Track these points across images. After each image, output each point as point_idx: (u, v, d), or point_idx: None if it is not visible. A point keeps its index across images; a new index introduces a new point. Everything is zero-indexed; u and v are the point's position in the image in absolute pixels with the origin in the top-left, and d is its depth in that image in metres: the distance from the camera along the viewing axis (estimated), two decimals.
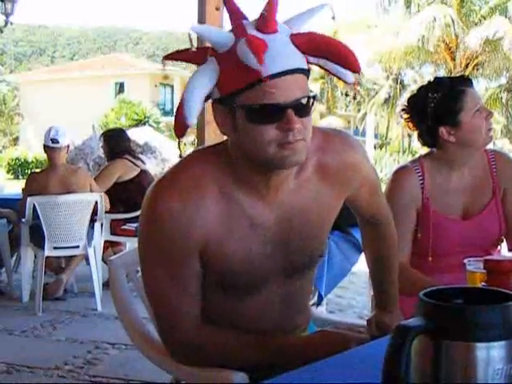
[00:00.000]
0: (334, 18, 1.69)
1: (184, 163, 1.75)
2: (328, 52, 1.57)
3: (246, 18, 1.61)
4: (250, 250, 1.73)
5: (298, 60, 1.55)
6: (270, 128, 1.55)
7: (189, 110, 1.57)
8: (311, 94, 1.59)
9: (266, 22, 1.55)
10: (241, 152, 1.65)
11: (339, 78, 1.66)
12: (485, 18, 29.28)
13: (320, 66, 1.63)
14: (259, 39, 1.52)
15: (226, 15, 1.67)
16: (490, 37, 27.76)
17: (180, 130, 1.62)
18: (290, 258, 1.79)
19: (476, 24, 29.28)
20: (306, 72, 1.58)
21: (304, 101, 1.57)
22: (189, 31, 1.61)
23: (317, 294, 4.24)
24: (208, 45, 1.61)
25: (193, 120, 1.58)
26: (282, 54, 1.53)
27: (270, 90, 1.52)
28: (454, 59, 29.13)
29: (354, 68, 1.58)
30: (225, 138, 1.72)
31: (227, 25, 1.65)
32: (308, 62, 1.60)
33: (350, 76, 1.65)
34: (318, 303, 4.31)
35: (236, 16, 1.62)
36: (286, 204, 1.74)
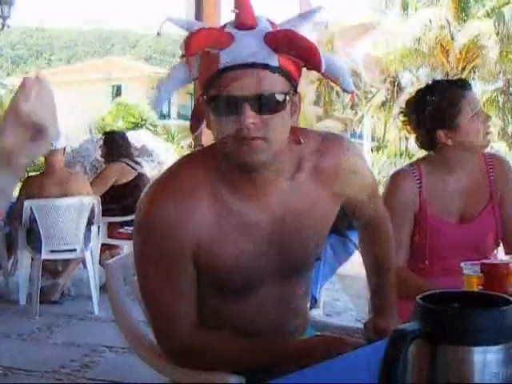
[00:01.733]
0: (326, 26, 1.71)
1: (176, 168, 1.76)
2: (293, 48, 1.58)
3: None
4: (243, 251, 1.73)
5: (264, 56, 1.56)
6: (228, 121, 1.57)
7: (159, 92, 1.65)
8: (282, 92, 1.58)
9: (239, 18, 1.59)
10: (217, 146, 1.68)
11: (339, 86, 1.66)
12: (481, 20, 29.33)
13: (322, 74, 1.63)
14: (221, 34, 1.57)
15: (223, 17, 1.70)
16: (472, 37, 27.84)
17: (193, 124, 1.76)
18: (285, 259, 1.79)
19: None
20: (276, 69, 1.57)
21: (269, 97, 1.56)
22: (162, 24, 1.66)
23: (310, 297, 4.24)
24: None
25: (158, 105, 1.69)
26: (245, 49, 1.55)
27: (227, 82, 1.54)
28: (450, 62, 29.15)
29: (315, 65, 1.60)
30: None
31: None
32: (309, 69, 1.61)
33: (351, 85, 1.66)
34: (312, 306, 4.30)
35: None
36: (278, 205, 1.74)
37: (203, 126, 1.75)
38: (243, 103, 1.54)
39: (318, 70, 1.61)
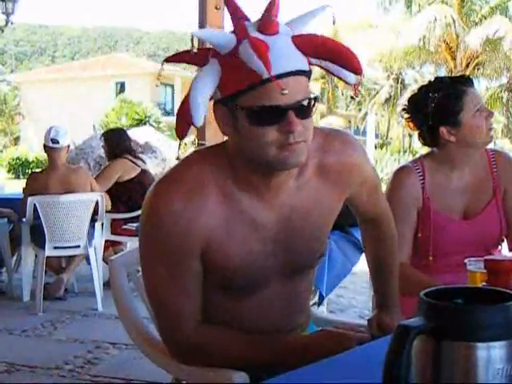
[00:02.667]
0: (334, 22, 1.69)
1: (185, 164, 1.75)
2: (330, 54, 1.58)
3: (247, 19, 1.62)
4: (251, 250, 1.73)
5: (299, 62, 1.56)
6: (271, 130, 1.55)
7: (195, 110, 1.58)
8: (312, 96, 1.59)
9: (267, 23, 1.56)
10: (241, 153, 1.65)
11: (340, 79, 1.66)
12: (485, 18, 29.30)
13: (321, 67, 1.63)
14: (261, 41, 1.52)
15: (226, 14, 1.67)
16: (490, 36, 27.77)
17: (182, 130, 1.64)
18: (291, 258, 1.79)
19: (476, 24, 29.30)
20: (308, 73, 1.58)
21: (305, 102, 1.57)
22: (191, 34, 1.62)
23: (318, 293, 4.24)
24: (209, 46, 1.62)
25: (199, 120, 1.59)
26: (283, 56, 1.53)
27: (271, 92, 1.52)
28: (454, 59, 29.13)
29: (357, 70, 1.60)
30: (225, 138, 1.72)
31: (228, 24, 1.65)
32: (310, 64, 1.61)
33: (352, 77, 1.66)
34: (319, 303, 4.31)
35: (237, 16, 1.62)
36: (286, 204, 1.74)
37: (204, 123, 1.73)
38: (289, 112, 1.54)
39: (359, 74, 1.61)
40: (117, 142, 6.80)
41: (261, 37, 1.54)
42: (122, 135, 7.02)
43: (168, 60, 1.70)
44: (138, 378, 4.02)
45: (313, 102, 1.60)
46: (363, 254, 2.22)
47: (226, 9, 1.66)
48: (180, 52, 1.70)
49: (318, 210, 1.80)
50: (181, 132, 1.65)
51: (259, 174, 1.67)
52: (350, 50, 1.59)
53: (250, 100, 1.55)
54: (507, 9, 29.73)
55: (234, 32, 1.60)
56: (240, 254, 1.72)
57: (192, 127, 1.64)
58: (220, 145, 1.76)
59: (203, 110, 1.59)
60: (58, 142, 5.85)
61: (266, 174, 1.66)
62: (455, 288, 1.18)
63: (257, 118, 1.56)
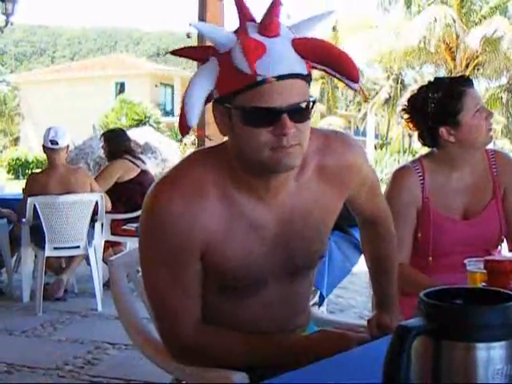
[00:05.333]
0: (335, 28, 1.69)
1: (184, 165, 1.75)
2: (330, 60, 1.58)
3: (252, 19, 1.61)
4: (251, 251, 1.73)
5: (297, 65, 1.55)
6: (264, 132, 1.55)
7: (190, 110, 1.58)
8: (310, 99, 1.58)
9: (267, 25, 1.55)
10: (238, 153, 1.65)
11: (345, 84, 1.66)
12: (485, 18, 29.30)
13: (325, 72, 1.63)
14: (256, 43, 1.52)
15: (226, 16, 1.68)
16: (489, 36, 27.75)
17: (183, 129, 1.64)
18: (291, 259, 1.79)
19: (476, 24, 29.29)
20: (306, 77, 1.58)
21: (302, 106, 1.57)
22: (189, 28, 1.63)
23: (318, 294, 4.24)
24: (210, 44, 1.62)
25: (194, 120, 1.60)
26: (280, 59, 1.53)
27: (266, 94, 1.52)
28: (454, 59, 29.11)
29: (353, 78, 1.60)
30: (225, 138, 1.72)
31: (227, 25, 1.66)
32: (312, 67, 1.61)
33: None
34: (320, 304, 4.31)
35: (243, 16, 1.61)
36: (286, 205, 1.74)
37: (203, 123, 1.74)
38: (282, 114, 1.53)
39: (356, 82, 1.61)
40: (117, 143, 6.80)
41: (259, 38, 1.53)
42: (121, 135, 7.02)
43: (172, 53, 1.70)
44: (137, 379, 4.01)
45: (310, 106, 1.59)
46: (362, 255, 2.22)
47: (225, 10, 1.67)
48: (184, 47, 1.70)
49: (319, 211, 1.80)
50: (182, 131, 1.65)
51: (257, 176, 1.66)
52: (349, 57, 1.59)
53: (244, 100, 1.55)
54: (507, 9, 29.72)
55: (235, 31, 1.60)
56: (239, 255, 1.72)
57: (195, 126, 1.66)
58: (220, 145, 1.76)
59: (198, 109, 1.59)
60: (57, 143, 5.84)
61: (264, 175, 1.66)
62: (455, 288, 1.18)
63: (250, 119, 1.56)
